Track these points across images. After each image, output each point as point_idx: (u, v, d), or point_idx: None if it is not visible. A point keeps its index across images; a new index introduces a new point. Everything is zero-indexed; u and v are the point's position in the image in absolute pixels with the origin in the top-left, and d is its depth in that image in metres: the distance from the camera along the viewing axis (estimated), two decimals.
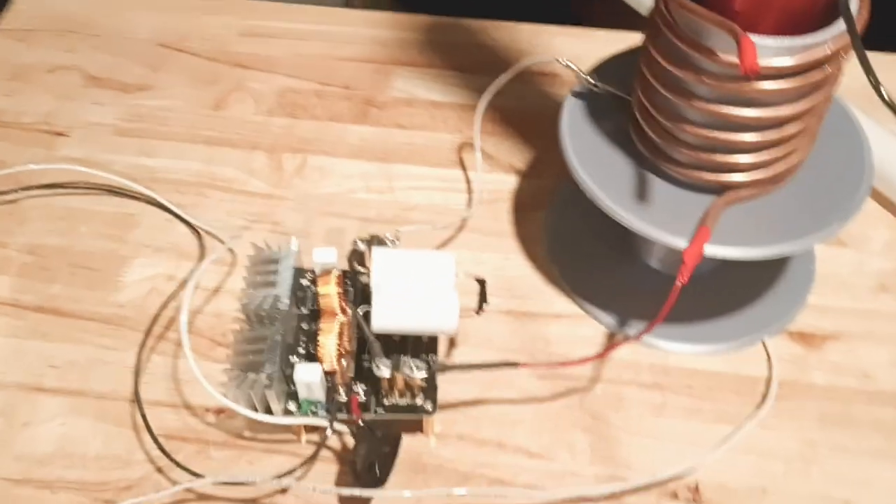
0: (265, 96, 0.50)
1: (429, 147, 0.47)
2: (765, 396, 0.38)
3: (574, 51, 0.47)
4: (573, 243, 0.43)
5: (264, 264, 0.36)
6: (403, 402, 0.34)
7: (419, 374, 0.33)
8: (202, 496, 0.34)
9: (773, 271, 0.42)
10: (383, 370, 0.33)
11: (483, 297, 0.35)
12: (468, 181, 0.46)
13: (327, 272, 0.36)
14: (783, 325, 0.40)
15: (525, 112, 0.49)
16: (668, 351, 0.39)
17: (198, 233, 0.43)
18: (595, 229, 0.43)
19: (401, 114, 0.49)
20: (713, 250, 0.34)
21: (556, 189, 0.45)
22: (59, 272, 0.42)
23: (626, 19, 0.55)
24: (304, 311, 0.37)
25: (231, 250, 0.42)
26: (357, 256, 0.37)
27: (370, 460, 0.32)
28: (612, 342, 0.38)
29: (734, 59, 0.29)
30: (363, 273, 0.37)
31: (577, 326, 0.40)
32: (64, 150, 0.47)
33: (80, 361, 0.38)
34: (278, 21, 0.54)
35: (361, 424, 0.33)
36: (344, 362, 0.35)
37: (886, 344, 0.40)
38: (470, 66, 0.51)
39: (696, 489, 0.35)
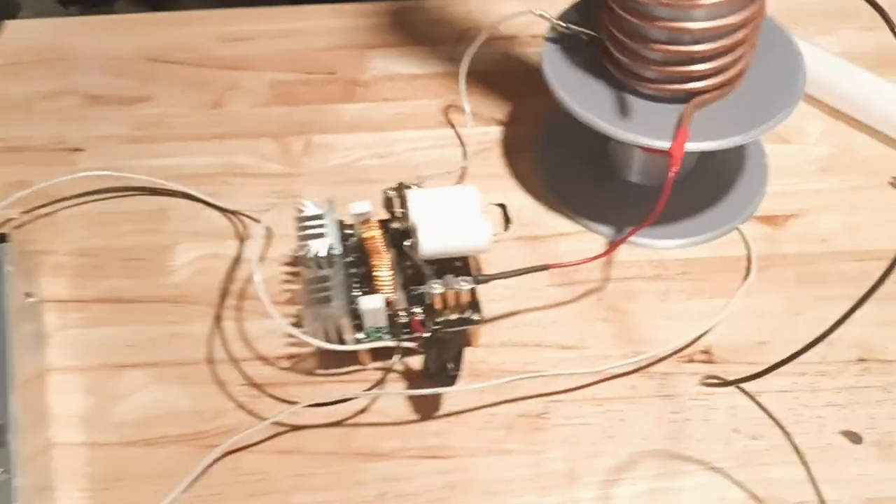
0: (258, 91, 0.54)
1: (417, 113, 0.53)
2: (748, 270, 0.44)
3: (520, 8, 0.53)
4: (563, 172, 0.49)
5: (310, 221, 0.41)
6: (454, 316, 0.40)
7: (466, 287, 0.38)
8: (295, 426, 0.39)
9: (733, 171, 0.49)
10: (436, 288, 0.38)
11: (507, 217, 0.41)
12: (459, 137, 0.51)
13: (367, 220, 0.41)
14: (750, 213, 0.47)
15: (496, 71, 0.55)
16: (662, 248, 0.46)
17: (229, 216, 0.48)
18: (579, 157, 0.49)
19: (385, 88, 0.54)
20: (692, 146, 0.40)
21: (537, 131, 0.51)
22: (110, 267, 0.45)
23: None
24: (352, 258, 0.42)
25: (268, 228, 0.46)
26: (388, 203, 0.42)
27: (442, 362, 0.37)
28: (617, 241, 0.44)
29: None
30: (396, 219, 0.42)
31: (580, 241, 0.46)
32: (84, 164, 0.51)
33: (152, 338, 0.43)
34: (252, 24, 0.59)
35: (428, 335, 0.38)
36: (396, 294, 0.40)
37: (836, 213, 0.47)
38: (436, 38, 0.57)
39: (708, 351, 0.42)
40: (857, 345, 0.41)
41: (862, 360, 0.41)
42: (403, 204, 0.41)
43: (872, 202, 0.47)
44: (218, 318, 0.43)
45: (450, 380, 0.37)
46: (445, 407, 0.40)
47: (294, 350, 0.42)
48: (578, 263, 0.41)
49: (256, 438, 0.39)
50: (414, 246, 0.39)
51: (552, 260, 0.45)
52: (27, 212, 0.48)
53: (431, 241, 0.39)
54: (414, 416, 0.40)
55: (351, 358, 0.41)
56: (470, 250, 0.40)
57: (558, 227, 0.47)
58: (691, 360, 0.41)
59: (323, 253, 0.39)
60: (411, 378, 0.41)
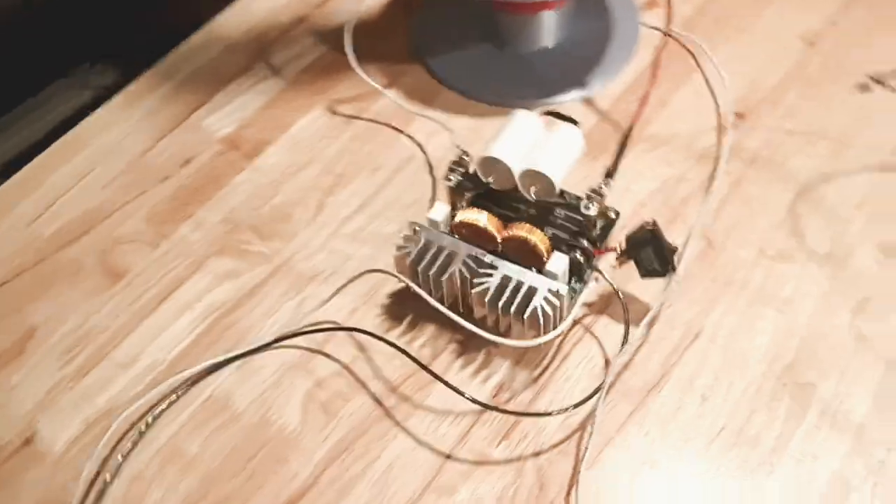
0: (143, 229, 0.44)
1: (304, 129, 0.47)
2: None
3: None
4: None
5: (423, 251, 0.36)
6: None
7: (606, 190, 0.37)
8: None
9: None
10: (591, 208, 0.36)
11: (565, 117, 0.39)
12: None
13: (471, 205, 0.37)
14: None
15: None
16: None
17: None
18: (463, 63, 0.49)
19: (257, 132, 0.47)
20: None
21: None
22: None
23: None
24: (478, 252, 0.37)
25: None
26: (459, 186, 0.38)
27: (663, 254, 0.35)
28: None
29: None
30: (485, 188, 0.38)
31: None
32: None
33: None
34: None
35: (624, 246, 0.36)
36: None
37: None
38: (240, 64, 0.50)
39: None
40: None
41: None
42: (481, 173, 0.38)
43: None
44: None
45: (670, 268, 0.36)
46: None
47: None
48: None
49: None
50: (544, 188, 0.36)
51: None
52: None
53: (557, 170, 0.36)
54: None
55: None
56: (579, 155, 0.38)
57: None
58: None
59: (476, 266, 0.35)
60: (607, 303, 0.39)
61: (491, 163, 0.37)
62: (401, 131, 0.46)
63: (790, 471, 0.34)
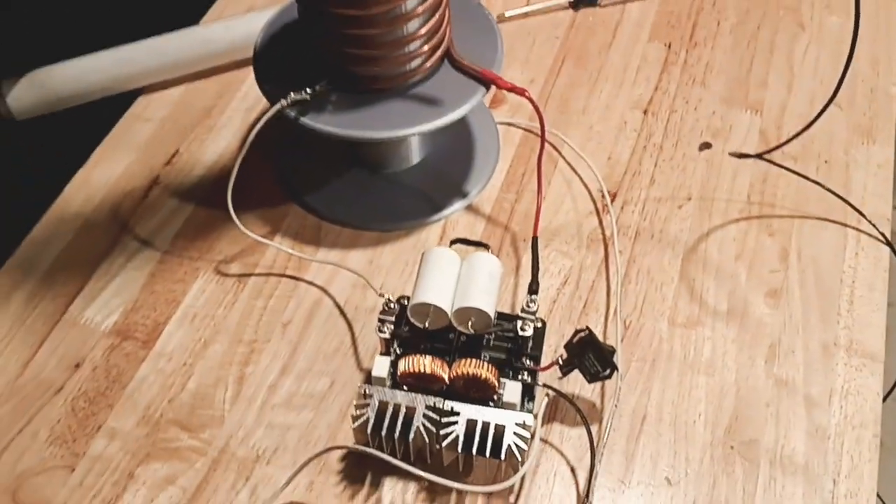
0: (59, 433, 0.40)
1: (197, 299, 0.45)
2: None
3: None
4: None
5: (380, 415, 0.35)
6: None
7: (535, 306, 0.38)
8: None
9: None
10: (528, 330, 0.37)
11: (473, 242, 0.40)
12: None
13: (414, 364, 0.37)
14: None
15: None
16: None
17: None
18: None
19: (135, 317, 0.44)
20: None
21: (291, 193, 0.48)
22: None
23: None
24: (435, 400, 0.37)
25: None
26: (389, 341, 0.38)
27: (604, 356, 0.37)
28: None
29: None
30: (412, 328, 0.38)
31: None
32: None
33: None
34: None
35: (565, 356, 0.37)
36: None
37: None
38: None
39: None
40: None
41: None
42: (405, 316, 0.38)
43: None
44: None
45: (613, 368, 0.37)
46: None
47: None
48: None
49: None
50: (479, 321, 0.37)
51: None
52: None
53: (489, 302, 0.37)
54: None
55: None
56: (500, 279, 0.39)
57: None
58: None
59: (447, 405, 0.35)
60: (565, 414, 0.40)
61: (423, 308, 0.37)
62: (299, 279, 0.46)
63: None
